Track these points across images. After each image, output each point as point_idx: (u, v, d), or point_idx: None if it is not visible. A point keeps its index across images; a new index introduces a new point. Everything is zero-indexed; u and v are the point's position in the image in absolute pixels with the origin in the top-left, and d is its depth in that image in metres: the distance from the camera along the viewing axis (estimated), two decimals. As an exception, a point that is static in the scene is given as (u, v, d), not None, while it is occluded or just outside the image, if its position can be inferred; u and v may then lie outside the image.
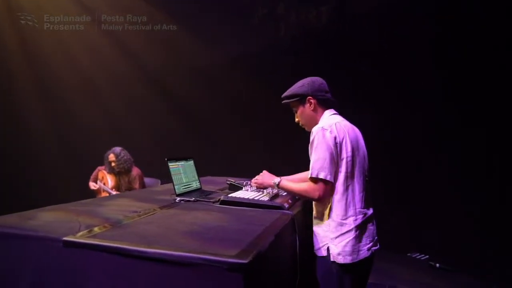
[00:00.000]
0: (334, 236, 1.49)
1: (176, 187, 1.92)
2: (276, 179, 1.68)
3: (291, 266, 1.49)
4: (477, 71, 3.54)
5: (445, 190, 3.66)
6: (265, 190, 1.84)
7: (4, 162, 4.75)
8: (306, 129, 1.68)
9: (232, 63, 4.55)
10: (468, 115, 3.59)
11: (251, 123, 4.58)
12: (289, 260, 1.49)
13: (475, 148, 3.57)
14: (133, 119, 4.89)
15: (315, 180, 1.46)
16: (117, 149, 3.45)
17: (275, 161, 3.89)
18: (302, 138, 1.91)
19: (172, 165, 1.99)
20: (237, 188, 2.03)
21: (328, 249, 1.50)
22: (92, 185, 3.53)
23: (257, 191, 1.87)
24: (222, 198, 1.76)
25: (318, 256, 1.56)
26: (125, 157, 3.43)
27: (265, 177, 1.78)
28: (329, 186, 1.46)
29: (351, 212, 1.49)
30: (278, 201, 1.71)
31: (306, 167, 1.85)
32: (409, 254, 3.73)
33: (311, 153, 1.51)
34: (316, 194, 1.46)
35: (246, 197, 1.75)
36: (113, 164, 3.41)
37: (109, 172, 3.48)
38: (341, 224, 1.48)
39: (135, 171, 3.53)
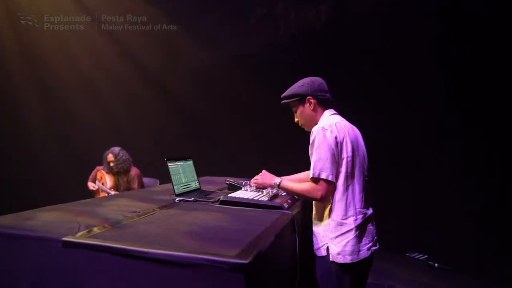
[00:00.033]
0: (334, 236, 1.48)
1: (175, 187, 1.92)
2: (277, 180, 1.67)
3: (291, 266, 1.48)
4: (479, 71, 3.53)
5: (445, 190, 3.65)
6: (264, 190, 1.83)
7: (4, 162, 4.76)
8: (305, 129, 1.68)
9: (231, 62, 4.55)
10: (470, 114, 3.58)
11: (250, 123, 4.57)
12: (289, 260, 1.48)
13: (476, 148, 3.56)
14: (133, 119, 4.89)
15: (316, 180, 1.46)
16: (116, 149, 3.46)
17: (274, 161, 3.88)
18: (301, 138, 1.91)
19: (171, 165, 1.99)
20: (237, 188, 2.03)
21: (327, 249, 1.50)
22: (91, 186, 3.53)
23: (256, 191, 1.87)
24: (221, 198, 1.76)
25: (318, 256, 1.56)
26: (123, 157, 3.43)
27: (265, 177, 1.77)
28: (331, 186, 1.46)
29: (351, 212, 1.48)
30: (277, 201, 1.71)
31: (305, 167, 1.84)
32: (407, 254, 3.73)
33: (311, 153, 1.51)
34: (318, 194, 1.45)
35: (246, 197, 1.75)
36: (111, 164, 3.41)
37: (108, 172, 3.49)
38: (341, 224, 1.48)
39: (134, 171, 3.53)
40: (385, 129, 3.86)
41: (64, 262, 1.10)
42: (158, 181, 3.65)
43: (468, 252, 3.41)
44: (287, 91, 1.66)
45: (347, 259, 1.46)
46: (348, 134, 1.52)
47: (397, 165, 3.88)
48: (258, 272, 0.99)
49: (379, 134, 3.56)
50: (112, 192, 3.37)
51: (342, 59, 4.09)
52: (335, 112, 1.63)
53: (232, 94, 4.64)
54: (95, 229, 1.24)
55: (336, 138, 1.47)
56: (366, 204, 1.53)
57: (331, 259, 1.49)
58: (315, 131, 1.50)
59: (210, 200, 1.81)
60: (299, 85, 1.63)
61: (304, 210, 1.80)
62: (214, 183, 2.51)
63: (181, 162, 2.10)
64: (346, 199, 1.48)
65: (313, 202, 1.61)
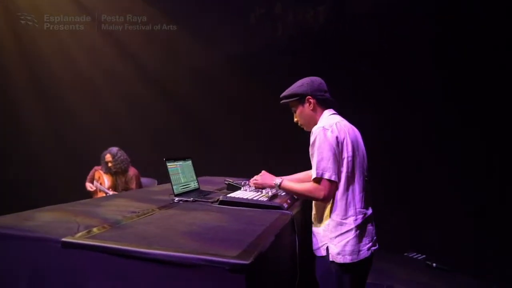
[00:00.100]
0: (334, 236, 1.48)
1: (174, 187, 1.92)
2: (277, 180, 1.67)
3: (290, 266, 1.48)
4: (477, 71, 3.54)
5: (445, 190, 3.65)
6: (263, 190, 1.83)
7: (3, 162, 4.75)
8: (305, 129, 1.68)
9: (230, 63, 4.55)
10: (468, 115, 3.59)
11: (249, 122, 4.57)
12: (288, 260, 1.48)
13: (475, 148, 3.56)
14: (132, 119, 4.89)
15: (319, 180, 1.46)
16: (114, 149, 3.45)
17: (273, 161, 3.89)
18: (300, 138, 1.91)
19: (170, 165, 1.99)
20: (236, 188, 2.03)
21: (327, 248, 1.50)
22: (89, 186, 3.53)
23: (255, 191, 1.87)
24: (221, 198, 1.75)
25: (317, 256, 1.56)
26: (121, 157, 3.43)
27: (264, 178, 1.76)
28: (333, 186, 1.46)
29: (351, 212, 1.48)
30: (277, 201, 1.71)
31: (304, 167, 1.85)
32: (405, 254, 3.73)
33: (312, 153, 1.51)
34: (321, 194, 1.45)
35: (245, 197, 1.75)
36: (109, 164, 3.41)
37: (106, 172, 3.48)
38: (341, 224, 1.48)
39: (132, 171, 3.53)
40: (384, 130, 3.86)
41: (64, 262, 1.10)
42: (156, 181, 3.65)
43: (468, 252, 3.41)
44: (286, 91, 1.66)
45: (347, 259, 1.46)
46: (349, 134, 1.52)
47: (395, 165, 3.89)
48: (258, 272, 0.98)
49: (378, 135, 3.56)
50: (111, 192, 3.37)
51: (340, 60, 4.10)
52: (335, 112, 1.63)
53: (230, 94, 4.65)
54: (95, 229, 1.23)
55: (337, 138, 1.47)
56: (366, 204, 1.53)
57: (331, 259, 1.49)
58: (316, 131, 1.50)
59: (210, 200, 1.81)
60: (299, 85, 1.63)
61: (304, 210, 1.81)
62: (213, 183, 2.50)
63: (180, 162, 2.10)
64: (346, 199, 1.48)
65: (313, 202, 1.61)
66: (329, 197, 1.47)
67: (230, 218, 1.47)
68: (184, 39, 4.66)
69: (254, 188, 1.87)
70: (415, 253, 3.73)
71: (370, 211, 1.56)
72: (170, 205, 1.75)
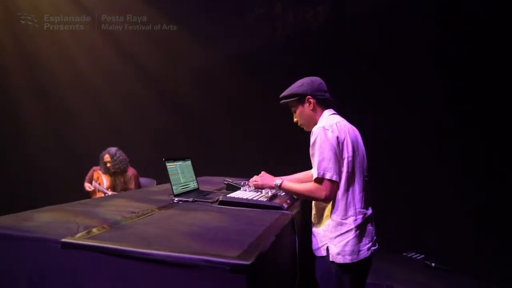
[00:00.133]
0: (334, 236, 1.48)
1: (174, 187, 1.91)
2: (278, 181, 1.65)
3: (290, 266, 1.48)
4: (477, 71, 3.54)
5: (445, 190, 3.65)
6: (263, 190, 1.83)
7: (3, 162, 4.75)
8: (305, 129, 1.67)
9: (229, 63, 4.55)
10: (468, 115, 3.59)
11: (249, 123, 4.57)
12: (288, 260, 1.48)
13: (475, 148, 3.56)
14: (132, 119, 4.89)
15: (320, 180, 1.45)
16: (113, 149, 3.45)
17: (272, 161, 3.89)
18: (300, 138, 1.91)
19: (170, 165, 1.98)
20: (235, 188, 2.02)
21: (327, 249, 1.50)
22: (87, 186, 3.53)
23: (255, 191, 1.86)
24: (220, 198, 1.75)
25: (317, 256, 1.56)
26: (120, 158, 3.43)
27: (264, 178, 1.75)
28: (335, 186, 1.46)
29: (351, 212, 1.48)
30: (276, 201, 1.71)
31: (304, 167, 1.85)
32: (404, 254, 3.73)
33: (312, 153, 1.50)
34: (322, 194, 1.45)
35: (245, 197, 1.75)
36: (108, 164, 3.40)
37: (105, 173, 3.48)
38: (341, 224, 1.48)
39: (131, 171, 3.53)
40: (384, 130, 3.86)
41: (63, 263, 1.10)
42: (155, 181, 3.65)
43: (467, 252, 3.41)
44: (286, 91, 1.66)
45: (347, 259, 1.46)
46: (349, 134, 1.52)
47: (395, 165, 3.88)
48: (259, 273, 0.98)
49: (378, 135, 3.56)
50: (109, 193, 3.37)
51: (340, 60, 4.10)
52: (335, 112, 1.63)
53: (230, 94, 4.65)
54: (94, 230, 1.23)
55: (337, 138, 1.47)
56: (366, 204, 1.53)
57: (331, 259, 1.49)
58: (316, 131, 1.50)
59: (209, 201, 1.81)
60: (299, 85, 1.62)
61: (304, 210, 1.80)
62: (212, 183, 2.50)
63: (180, 162, 2.09)
64: (346, 199, 1.48)
65: (313, 202, 1.61)
66: (331, 197, 1.47)
67: (230, 218, 1.47)
68: (184, 39, 4.66)
69: (253, 188, 1.87)
70: (414, 253, 3.73)
71: (370, 211, 1.56)
72: (170, 205, 1.74)
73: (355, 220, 1.48)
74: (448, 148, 3.73)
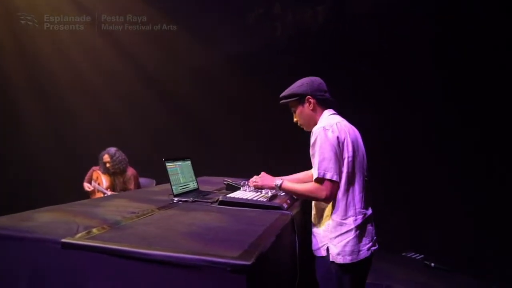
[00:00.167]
0: (334, 236, 1.48)
1: (173, 187, 1.91)
2: (278, 181, 1.64)
3: (290, 267, 1.48)
4: (477, 71, 3.54)
5: (445, 190, 3.65)
6: (263, 191, 1.83)
7: (3, 162, 4.75)
8: (304, 129, 1.67)
9: (229, 63, 4.55)
10: (468, 115, 3.59)
11: (249, 123, 4.57)
12: (289, 260, 1.48)
13: (475, 148, 3.56)
14: (132, 119, 4.89)
15: (321, 180, 1.45)
16: (112, 149, 3.45)
17: (272, 161, 3.89)
18: (300, 138, 1.91)
19: (170, 165, 1.98)
20: (235, 188, 2.02)
21: (327, 249, 1.50)
22: (87, 186, 3.52)
23: (255, 191, 1.86)
24: (220, 198, 1.75)
25: (317, 257, 1.56)
26: (119, 158, 3.43)
27: (264, 179, 1.74)
28: (335, 186, 1.46)
29: (351, 212, 1.48)
30: (276, 201, 1.71)
31: (304, 167, 1.84)
32: (404, 254, 3.74)
33: (313, 153, 1.50)
34: (323, 194, 1.45)
35: (245, 197, 1.75)
36: (107, 165, 3.40)
37: (104, 173, 3.48)
38: (341, 224, 1.48)
39: (130, 171, 3.53)
40: (384, 130, 3.86)
41: (63, 263, 1.09)
42: (154, 182, 3.65)
43: (467, 252, 3.41)
44: (286, 91, 1.66)
45: (347, 259, 1.46)
46: (349, 134, 1.52)
47: (395, 165, 3.88)
48: (259, 273, 0.98)
49: (378, 135, 3.56)
50: (109, 193, 3.37)
51: (340, 60, 4.10)
52: (335, 112, 1.63)
53: (229, 94, 4.64)
54: (94, 230, 1.23)
55: (338, 138, 1.47)
56: (365, 204, 1.53)
57: (331, 260, 1.49)
58: (316, 131, 1.50)
59: (209, 201, 1.81)
60: (298, 85, 1.62)
61: (303, 211, 1.80)
62: (211, 183, 2.50)
63: (179, 162, 2.09)
64: (346, 199, 1.48)
65: (313, 202, 1.61)
66: (331, 197, 1.47)
67: (230, 218, 1.47)
68: (184, 39, 4.66)
69: (253, 188, 1.87)
70: (413, 253, 3.73)
71: (370, 211, 1.56)
72: (170, 205, 1.74)
73: (355, 220, 1.48)
74: (448, 148, 3.73)
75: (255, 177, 1.81)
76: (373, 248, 1.54)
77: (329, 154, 1.44)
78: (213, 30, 4.56)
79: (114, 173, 3.46)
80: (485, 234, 3.38)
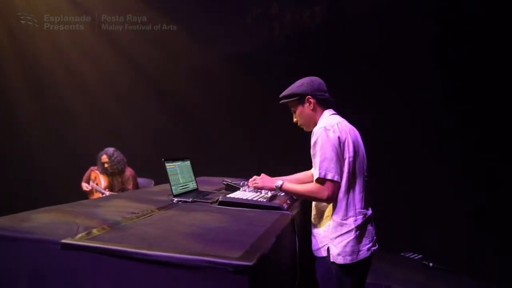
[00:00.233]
0: (334, 237, 1.48)
1: (173, 187, 1.91)
2: (278, 182, 1.63)
3: (291, 267, 1.48)
4: (477, 71, 3.54)
5: (445, 190, 3.65)
6: (262, 191, 1.82)
7: (3, 162, 4.75)
8: (304, 129, 1.67)
9: (229, 63, 4.55)
10: (468, 115, 3.59)
11: (248, 123, 4.57)
12: (289, 260, 1.48)
13: (475, 148, 3.56)
14: (132, 119, 4.88)
15: (322, 180, 1.45)
16: (110, 150, 3.44)
17: (271, 161, 3.89)
18: (300, 138, 1.91)
19: (169, 166, 1.98)
20: (235, 188, 2.02)
21: (328, 249, 1.50)
22: (85, 186, 3.52)
23: (255, 192, 1.86)
24: (220, 198, 1.75)
25: (318, 257, 1.55)
26: (118, 158, 3.42)
27: (264, 180, 1.73)
28: (336, 186, 1.46)
29: (351, 212, 1.48)
30: (276, 201, 1.70)
31: (304, 167, 1.84)
32: (402, 254, 3.74)
33: (313, 154, 1.50)
34: (324, 195, 1.44)
35: (245, 197, 1.74)
36: (106, 165, 3.40)
37: (102, 173, 3.47)
38: (341, 225, 1.48)
39: (129, 171, 3.52)
40: (384, 130, 3.86)
41: (63, 263, 1.09)
42: (152, 182, 3.65)
43: (467, 252, 3.41)
44: (286, 90, 1.66)
45: (347, 260, 1.46)
46: (350, 135, 1.51)
47: (395, 165, 3.88)
48: (261, 273, 0.98)
49: (378, 135, 3.56)
50: (107, 193, 3.36)
51: (340, 60, 4.10)
52: (335, 112, 1.63)
53: (228, 94, 4.65)
54: (94, 230, 1.23)
55: (339, 138, 1.47)
56: (366, 204, 1.53)
57: (331, 260, 1.49)
58: (317, 132, 1.49)
59: (209, 201, 1.80)
60: (298, 85, 1.62)
61: (304, 211, 1.80)
62: (211, 183, 2.49)
63: (179, 163, 2.09)
64: (347, 200, 1.48)
65: (313, 203, 1.61)
66: (333, 198, 1.47)
67: (230, 218, 1.47)
68: (184, 39, 4.65)
69: (253, 188, 1.86)
70: (411, 253, 3.73)
71: (370, 212, 1.56)
72: (169, 205, 1.74)
73: (355, 220, 1.48)
74: (448, 148, 3.73)
75: (254, 177, 1.81)
76: (373, 248, 1.54)
77: (330, 155, 1.44)
78: (213, 30, 4.56)
79: (112, 173, 3.45)
80: (485, 234, 3.38)
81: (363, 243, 1.49)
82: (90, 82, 4.90)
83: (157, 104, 4.84)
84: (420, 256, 3.64)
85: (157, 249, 1.02)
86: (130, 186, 3.50)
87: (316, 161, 1.47)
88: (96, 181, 3.50)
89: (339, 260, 1.46)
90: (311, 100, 1.59)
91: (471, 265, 3.31)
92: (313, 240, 1.59)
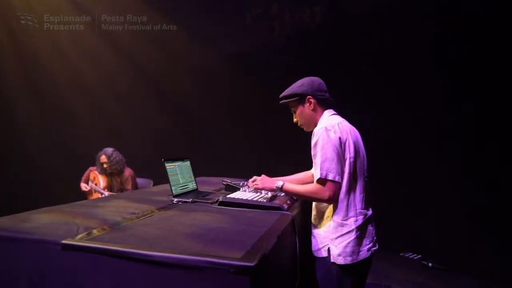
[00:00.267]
0: (334, 237, 1.48)
1: (173, 188, 1.91)
2: (279, 183, 1.62)
3: (291, 267, 1.48)
4: (477, 71, 3.54)
5: (445, 190, 3.65)
6: (262, 191, 1.82)
7: (3, 162, 4.75)
8: (305, 129, 1.67)
9: (229, 63, 4.55)
10: (468, 115, 3.59)
11: (248, 123, 4.57)
12: (289, 261, 1.48)
13: (475, 148, 3.56)
14: (132, 119, 4.88)
15: (323, 181, 1.45)
16: (109, 150, 3.44)
17: (273, 161, 3.89)
18: (300, 138, 1.91)
19: (169, 166, 1.98)
20: (234, 189, 2.02)
21: (328, 250, 1.49)
22: (84, 186, 3.51)
23: (255, 192, 1.86)
24: (220, 199, 1.75)
25: (318, 257, 1.55)
26: (117, 158, 3.42)
27: (265, 181, 1.72)
28: (337, 186, 1.45)
29: (351, 213, 1.48)
30: (276, 202, 1.70)
31: (305, 167, 1.84)
32: (401, 254, 3.74)
33: (314, 154, 1.50)
34: (326, 195, 1.44)
35: (245, 198, 1.74)
36: (105, 165, 3.40)
37: (101, 173, 3.47)
38: (342, 225, 1.48)
39: (128, 171, 3.52)
40: (384, 130, 3.86)
41: (64, 264, 1.09)
42: (151, 182, 3.64)
43: (467, 252, 3.41)
44: (286, 91, 1.65)
45: (348, 260, 1.46)
46: (350, 135, 1.51)
47: (395, 165, 3.88)
48: (262, 274, 0.98)
49: (378, 135, 3.56)
50: (106, 193, 3.36)
51: (340, 60, 4.10)
52: (335, 112, 1.63)
53: (228, 94, 4.65)
54: (94, 231, 1.22)
55: (340, 138, 1.47)
56: (366, 205, 1.53)
57: (332, 260, 1.48)
58: (318, 132, 1.49)
59: (209, 201, 1.80)
60: (299, 85, 1.62)
61: (304, 211, 1.80)
62: (210, 183, 2.49)
63: (179, 163, 2.09)
64: (347, 200, 1.48)
65: (313, 203, 1.61)
66: (334, 198, 1.46)
67: (230, 219, 1.47)
68: (184, 39, 4.65)
69: (253, 188, 1.86)
70: (411, 253, 3.73)
71: (370, 212, 1.56)
72: (169, 206, 1.74)
73: (356, 221, 1.48)
74: (448, 148, 3.73)
75: (254, 177, 1.81)
76: (373, 248, 1.54)
77: (331, 155, 1.44)
78: (213, 30, 4.56)
79: (111, 173, 3.45)
80: (485, 234, 3.38)
81: (363, 244, 1.49)
82: (90, 82, 4.90)
83: (157, 104, 4.83)
84: (420, 256, 3.64)
85: (157, 250, 1.01)
86: (129, 186, 3.49)
87: (317, 161, 1.47)
88: (95, 182, 3.50)
89: (340, 261, 1.46)
90: (312, 100, 1.59)
91: (471, 265, 3.31)
92: (313, 240, 1.58)
